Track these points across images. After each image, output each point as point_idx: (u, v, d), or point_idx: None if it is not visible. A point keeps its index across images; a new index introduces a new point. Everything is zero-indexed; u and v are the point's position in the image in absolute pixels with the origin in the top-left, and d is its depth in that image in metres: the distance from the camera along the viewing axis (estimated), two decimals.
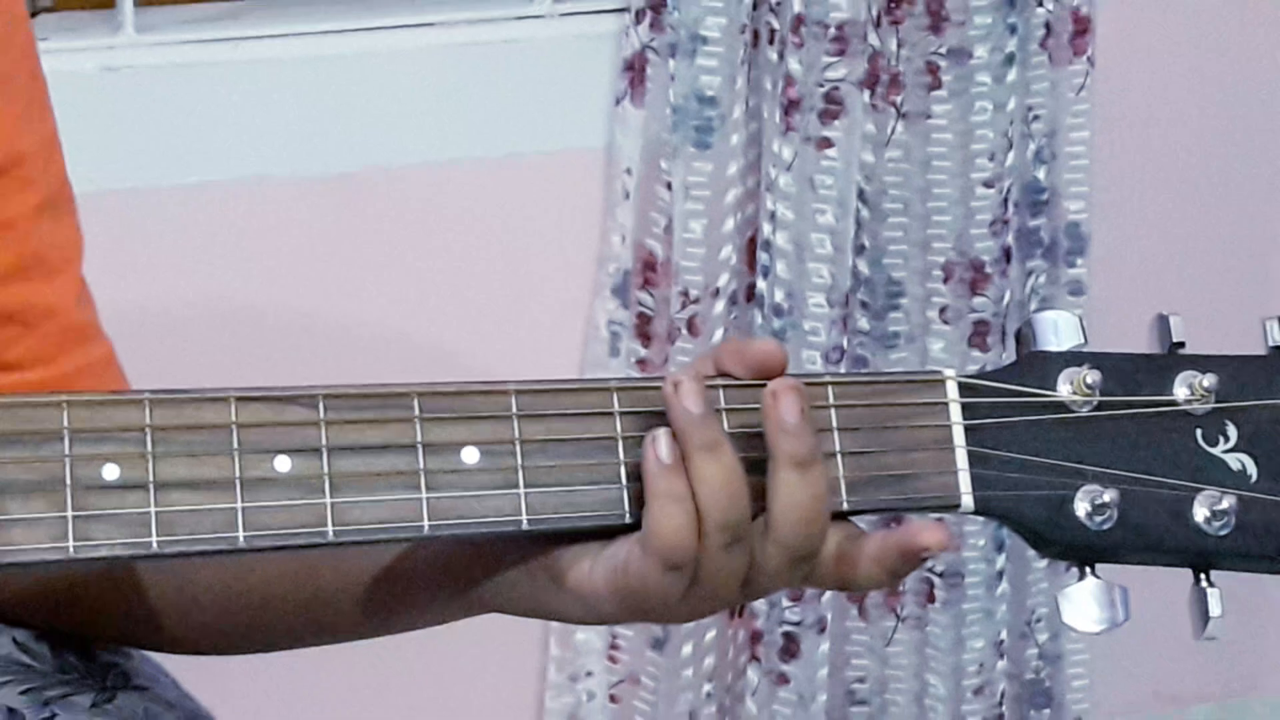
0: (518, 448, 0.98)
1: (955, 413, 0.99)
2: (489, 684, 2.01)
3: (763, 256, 1.90)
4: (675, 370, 1.83)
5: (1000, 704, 2.06)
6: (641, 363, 1.93)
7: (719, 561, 0.96)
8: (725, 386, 1.00)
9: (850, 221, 1.90)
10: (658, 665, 2.00)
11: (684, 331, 1.90)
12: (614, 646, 1.99)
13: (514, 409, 0.99)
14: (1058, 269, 1.97)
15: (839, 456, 0.99)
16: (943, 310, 1.95)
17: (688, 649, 1.98)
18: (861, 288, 1.93)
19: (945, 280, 1.94)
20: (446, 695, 1.96)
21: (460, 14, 1.92)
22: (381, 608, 1.09)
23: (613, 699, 1.99)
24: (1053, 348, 1.01)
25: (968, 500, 0.98)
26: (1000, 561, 2.03)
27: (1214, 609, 0.98)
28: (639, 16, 1.86)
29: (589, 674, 1.99)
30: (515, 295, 1.95)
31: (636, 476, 0.97)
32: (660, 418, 0.98)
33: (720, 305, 1.91)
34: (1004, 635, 2.05)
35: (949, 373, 1.00)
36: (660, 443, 0.96)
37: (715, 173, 1.87)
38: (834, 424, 0.99)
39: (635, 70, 1.88)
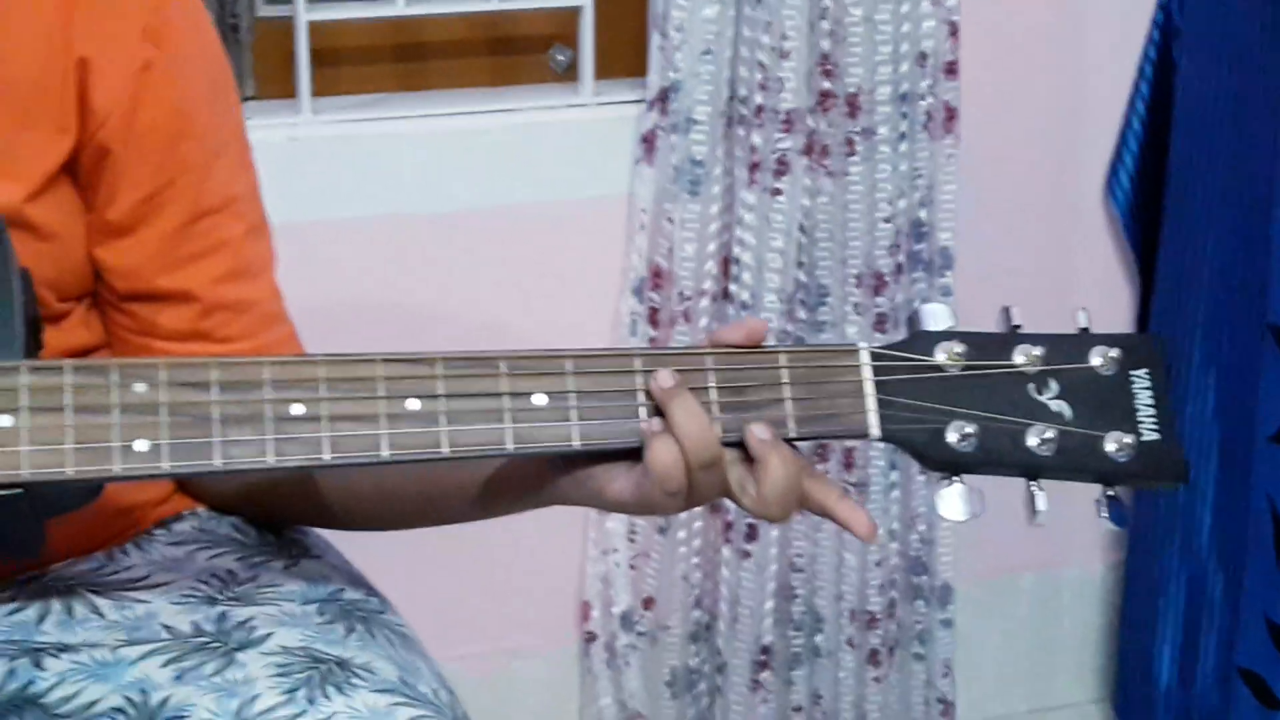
0: (571, 395, 0.98)
1: (867, 373, 1.00)
2: (542, 556, 1.99)
3: (734, 269, 1.89)
4: (678, 343, 1.84)
5: (893, 573, 2.05)
6: (652, 340, 1.91)
7: (700, 480, 0.97)
8: (715, 353, 1.00)
9: (794, 245, 1.88)
10: (661, 544, 1.98)
11: (681, 320, 1.89)
12: (632, 531, 1.98)
13: (569, 369, 0.99)
14: (934, 279, 1.95)
15: (789, 402, 0.99)
16: (856, 306, 1.93)
17: (682, 534, 1.97)
18: (800, 290, 1.91)
19: (858, 286, 1.92)
20: (511, 563, 1.95)
21: (531, 103, 1.91)
22: (481, 503, 1.09)
23: (632, 567, 1.98)
24: (932, 328, 1.02)
25: (875, 431, 0.99)
26: (893, 476, 2.01)
27: (1040, 505, 1.01)
28: (651, 105, 1.84)
29: (615, 550, 1.98)
30: (565, 294, 1.94)
31: (650, 414, 0.98)
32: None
33: (705, 302, 1.89)
34: (895, 526, 2.03)
35: (862, 345, 1.00)
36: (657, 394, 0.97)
37: (702, 212, 1.86)
38: (786, 380, 0.99)
39: (648, 141, 1.86)
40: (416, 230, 1.85)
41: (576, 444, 0.97)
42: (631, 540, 1.98)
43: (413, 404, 0.96)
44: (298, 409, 0.95)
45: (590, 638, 2.00)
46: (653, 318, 1.90)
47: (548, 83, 1.95)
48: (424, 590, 1.26)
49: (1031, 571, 2.23)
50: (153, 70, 1.07)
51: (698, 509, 1.04)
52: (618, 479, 0.99)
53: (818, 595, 2.02)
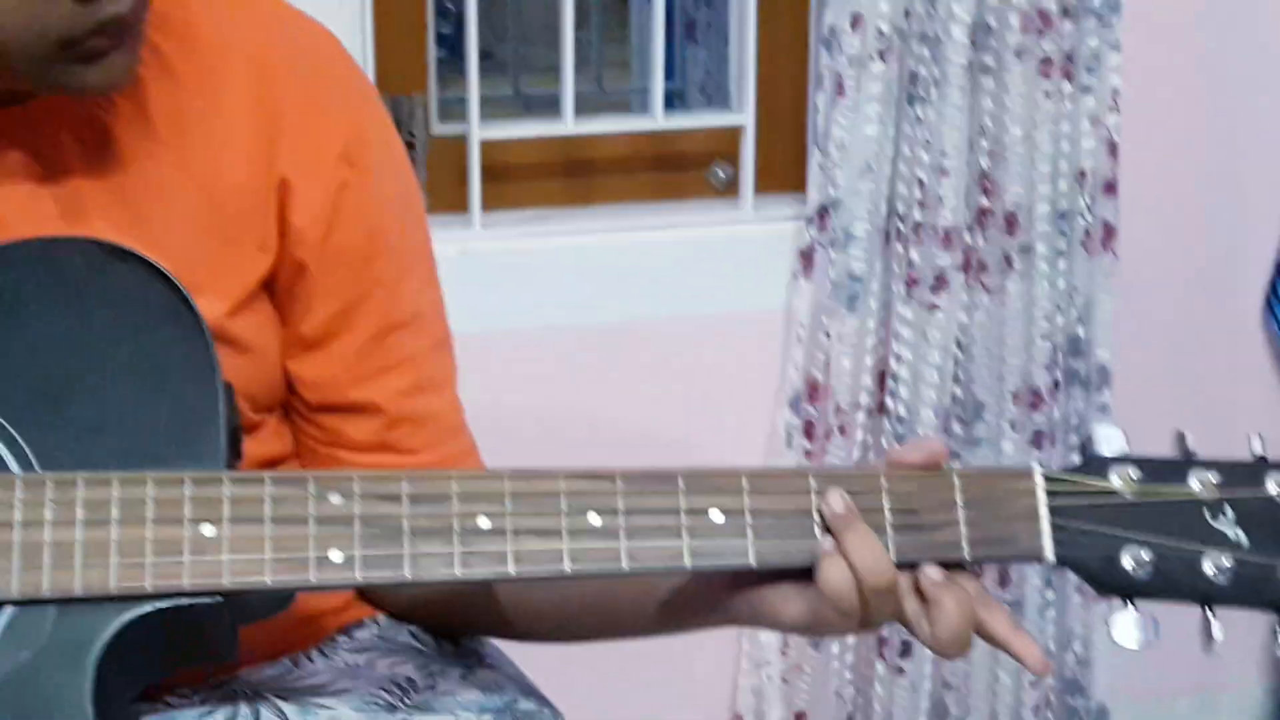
0: (747, 513, 0.98)
1: (1041, 496, 0.99)
2: (697, 667, 1.98)
3: (890, 383, 1.89)
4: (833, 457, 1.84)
5: (1048, 694, 2.03)
6: (808, 454, 1.91)
7: (874, 604, 0.96)
8: (890, 474, 0.99)
9: (950, 361, 1.89)
10: (815, 659, 1.98)
11: (837, 434, 1.90)
12: (785, 644, 1.97)
13: (745, 486, 0.98)
14: (1091, 396, 1.94)
15: (963, 525, 0.98)
16: (1012, 423, 1.92)
17: (836, 648, 1.96)
18: (957, 406, 1.91)
19: (1014, 402, 1.92)
20: (666, 674, 1.91)
21: (693, 218, 1.94)
22: (657, 619, 1.08)
23: (784, 680, 1.97)
24: (1106, 452, 1.00)
25: (1050, 556, 0.98)
26: (1049, 594, 2.00)
27: (1217, 634, 0.98)
28: (811, 221, 1.86)
29: (768, 663, 1.97)
30: (722, 405, 1.94)
31: (825, 534, 0.98)
32: None
33: (861, 416, 1.90)
34: (1051, 646, 2.01)
35: (1037, 468, 0.99)
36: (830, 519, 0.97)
37: (859, 327, 1.86)
38: (960, 502, 0.98)
39: (807, 256, 1.87)
40: (581, 341, 1.87)
41: (752, 561, 0.97)
42: (784, 654, 1.98)
43: (594, 519, 0.96)
44: (484, 522, 0.96)
45: None
46: (809, 431, 1.91)
47: (708, 198, 1.97)
48: (580, 700, 1.26)
49: (1188, 695, 2.19)
50: (348, 191, 1.10)
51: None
52: (793, 599, 0.99)
53: (971, 715, 2.01)
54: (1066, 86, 1.84)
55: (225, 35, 1.09)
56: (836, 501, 0.97)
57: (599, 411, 1.88)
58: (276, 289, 1.11)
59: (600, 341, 1.88)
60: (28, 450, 0.95)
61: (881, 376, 1.90)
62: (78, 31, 0.94)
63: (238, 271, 1.08)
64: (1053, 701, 2.03)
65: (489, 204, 1.86)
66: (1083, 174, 1.87)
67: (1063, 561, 0.97)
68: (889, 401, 1.90)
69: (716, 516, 0.97)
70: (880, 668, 1.96)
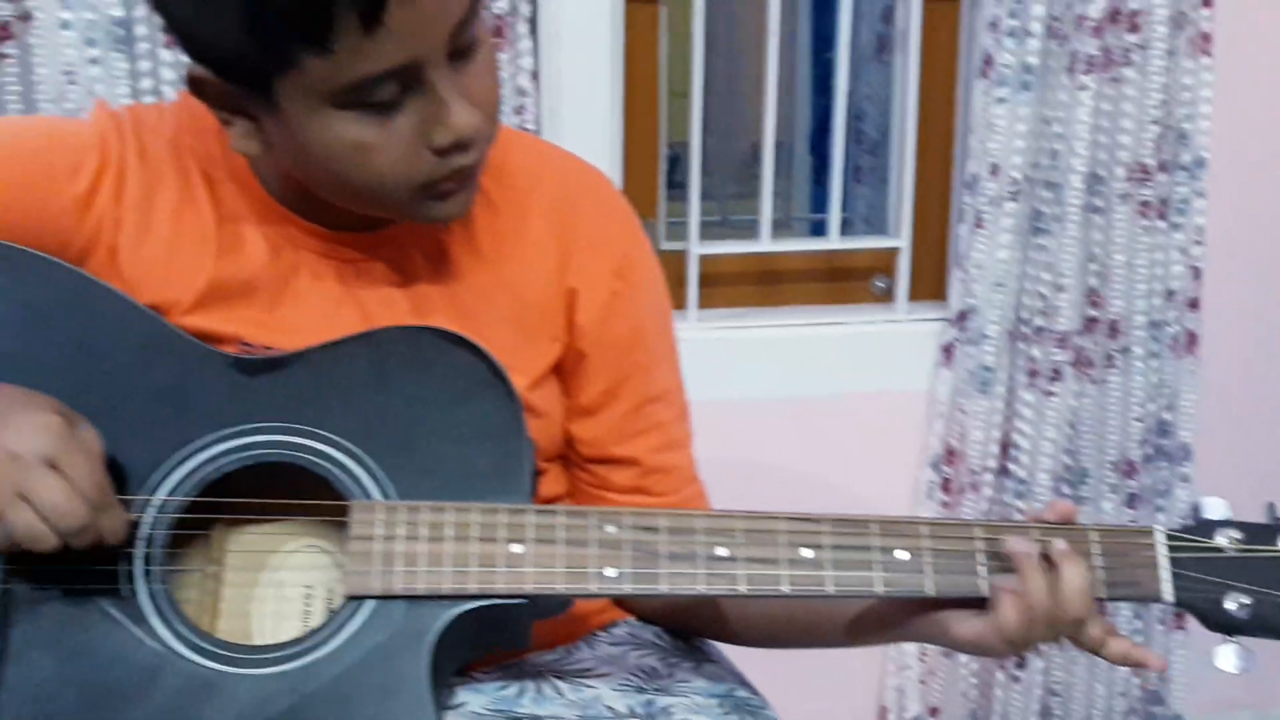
0: (926, 553, 0.99)
1: (1162, 550, 0.98)
2: (851, 668, 1.98)
3: (1013, 451, 1.87)
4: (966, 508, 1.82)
5: (1133, 703, 1.99)
6: (944, 505, 1.89)
7: (1036, 636, 0.96)
8: (1039, 526, 0.99)
9: (1063, 436, 1.87)
10: (946, 665, 1.96)
11: (969, 490, 1.88)
12: (923, 652, 1.95)
13: (924, 532, 0.99)
14: (1175, 467, 1.91)
15: (1100, 570, 0.98)
16: (1111, 486, 1.90)
17: (964, 659, 1.94)
18: (1066, 471, 1.89)
19: (1113, 470, 1.89)
20: (825, 671, 1.83)
21: (858, 318, 1.94)
22: (847, 633, 1.08)
23: (921, 681, 1.96)
24: (1212, 517, 1.00)
25: (1169, 597, 0.98)
26: (1137, 624, 1.96)
27: None
28: (951, 323, 1.86)
29: (909, 667, 1.95)
30: (878, 464, 1.93)
31: (988, 573, 0.98)
32: (988, 544, 0.99)
33: (988, 477, 1.88)
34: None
35: (1158, 529, 0.98)
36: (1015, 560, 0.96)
37: (988, 406, 1.85)
38: (1098, 552, 0.98)
39: (947, 351, 1.87)
40: (769, 411, 1.87)
41: (930, 592, 0.97)
42: (922, 660, 1.96)
43: (806, 552, 0.97)
44: (722, 551, 0.98)
45: None
46: (945, 487, 1.90)
47: (870, 303, 1.97)
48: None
49: (1249, 709, 2.13)
50: (618, 298, 1.11)
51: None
52: (964, 622, 0.98)
53: (1071, 716, 1.97)
54: (1161, 224, 1.82)
55: (531, 175, 1.12)
56: (1019, 544, 0.96)
57: (782, 465, 1.88)
58: (562, 370, 1.13)
59: (784, 411, 1.88)
60: (387, 482, 0.99)
61: (1005, 446, 1.89)
62: (435, 177, 0.97)
63: (536, 357, 1.10)
64: (1138, 709, 1.99)
65: (702, 304, 1.89)
66: (1171, 293, 1.85)
67: (1179, 603, 0.97)
68: (1011, 466, 1.88)
69: (902, 555, 0.98)
70: (1000, 675, 1.94)
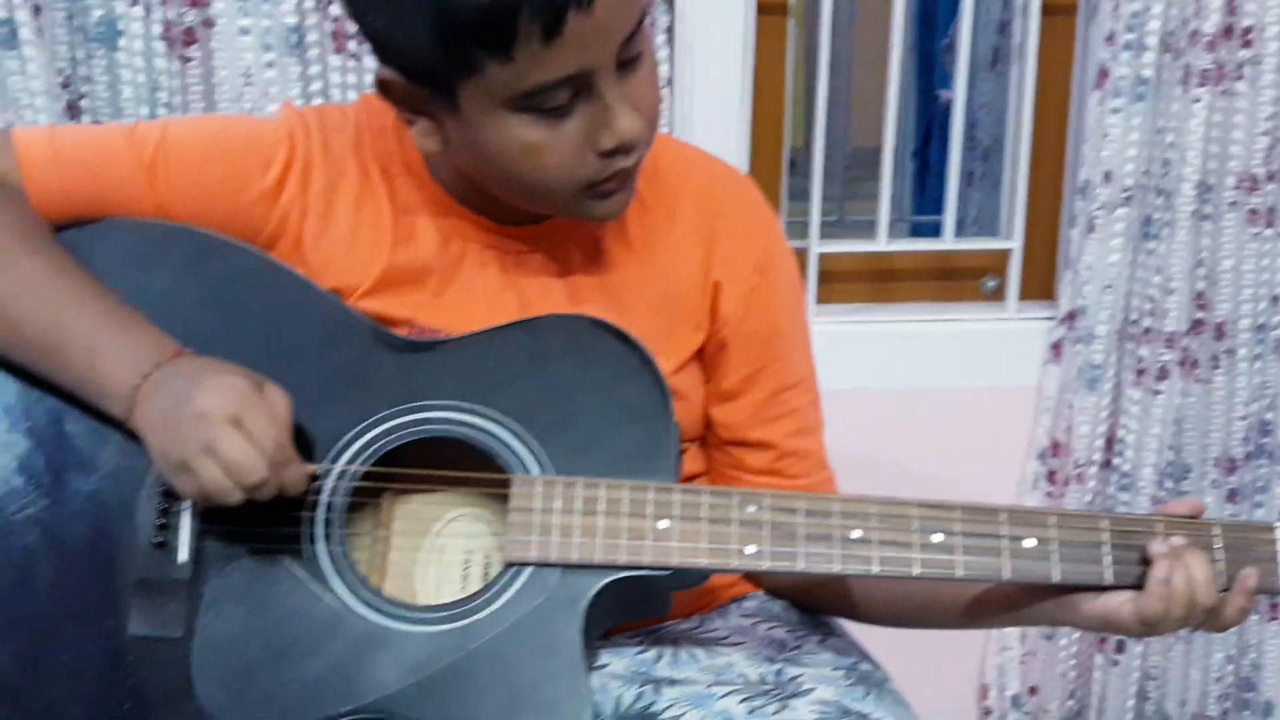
0: (1054, 541, 0.97)
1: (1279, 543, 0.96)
2: (955, 647, 1.95)
3: (1118, 446, 1.84)
4: (1071, 499, 1.79)
5: (1228, 689, 1.95)
6: (1049, 495, 1.86)
7: (1171, 625, 0.95)
8: (1164, 520, 0.98)
9: (1168, 433, 1.83)
10: (1046, 647, 1.93)
11: (1074, 481, 1.85)
12: (1024, 634, 1.93)
13: (1052, 522, 0.98)
14: (1275, 465, 1.87)
15: (1221, 561, 0.97)
16: (1212, 482, 1.86)
17: (1064, 641, 1.91)
18: (1169, 467, 1.85)
19: (1215, 467, 1.85)
20: (932, 650, 1.76)
21: (969, 315, 1.90)
22: (967, 614, 1.07)
23: (1022, 661, 1.93)
24: None
25: None
26: None
27: None
28: (1061, 322, 1.82)
29: (1010, 647, 1.93)
30: (986, 455, 1.90)
31: (1113, 563, 0.96)
32: (1116, 536, 0.97)
33: (1093, 470, 1.84)
34: (1233, 653, 1.94)
35: (1277, 524, 0.97)
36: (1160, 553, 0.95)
37: (1095, 403, 1.81)
38: (1219, 545, 0.97)
39: (1056, 348, 1.83)
40: (883, 403, 1.86)
41: (1056, 579, 0.97)
42: (1023, 641, 1.93)
43: (937, 537, 0.97)
44: (857, 533, 0.98)
45: (986, 712, 1.96)
46: (1050, 478, 1.87)
47: (980, 301, 1.94)
48: None
49: None
50: (758, 292, 1.12)
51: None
52: (1091, 601, 0.98)
53: (1167, 699, 1.93)
54: (1267, 231, 1.78)
55: (680, 175, 1.12)
56: (1175, 541, 0.96)
57: (892, 455, 1.87)
58: (704, 357, 1.13)
59: (899, 404, 1.87)
60: (545, 458, 1.00)
61: (1109, 441, 1.85)
62: (598, 178, 0.98)
63: (680, 344, 1.11)
64: (1231, 694, 1.95)
65: (820, 299, 1.88)
66: (1276, 298, 1.81)
67: None
68: (1115, 460, 1.85)
69: (1029, 542, 0.97)
70: (1099, 659, 1.91)
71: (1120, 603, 0.96)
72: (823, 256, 1.87)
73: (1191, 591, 0.94)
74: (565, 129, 0.95)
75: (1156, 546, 0.96)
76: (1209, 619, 0.96)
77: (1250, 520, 0.97)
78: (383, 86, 0.98)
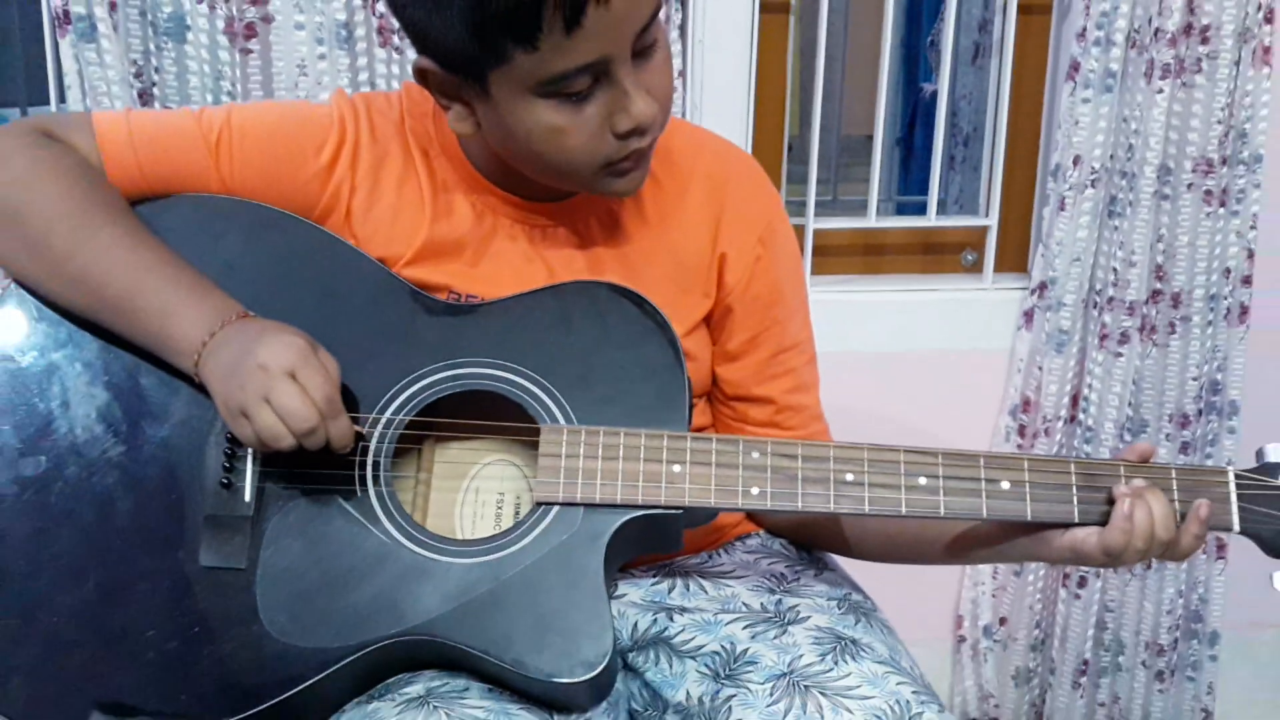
0: (1026, 484, 0.97)
1: (1232, 487, 0.96)
2: (934, 581, 1.94)
3: (1082, 403, 1.83)
4: (1039, 449, 1.77)
5: (1178, 620, 1.94)
6: (1019, 446, 1.85)
7: (1132, 556, 0.94)
8: (1127, 463, 0.97)
9: (1127, 391, 1.82)
10: (1015, 582, 1.92)
11: (1042, 435, 1.84)
12: (995, 571, 1.92)
13: (1026, 466, 0.97)
14: (1223, 421, 1.85)
15: (1176, 502, 0.96)
16: (1167, 435, 1.85)
17: (1031, 577, 1.91)
18: (1128, 422, 1.84)
19: (1169, 422, 1.84)
20: (915, 583, 1.78)
21: (949, 285, 1.89)
22: (950, 551, 1.06)
23: (993, 595, 1.93)
24: (1274, 460, 0.98)
25: (1236, 527, 0.96)
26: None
27: None
28: (1033, 292, 1.82)
29: (983, 582, 1.92)
30: (962, 410, 1.89)
31: (1079, 502, 0.96)
32: (1082, 479, 0.97)
33: (1060, 424, 1.83)
34: (1183, 588, 1.93)
35: (1229, 468, 0.96)
36: (1123, 492, 0.95)
37: (1063, 365, 1.80)
38: (1175, 487, 0.96)
39: (1028, 316, 1.82)
40: (873, 364, 1.85)
41: (1028, 517, 0.96)
42: (994, 577, 1.93)
43: (922, 479, 0.97)
44: (850, 476, 0.98)
45: (961, 639, 1.96)
46: (1021, 431, 1.86)
47: (960, 273, 1.93)
48: None
49: (1275, 628, 2.07)
50: (760, 262, 1.11)
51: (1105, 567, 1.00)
52: (1061, 536, 0.97)
53: (1123, 629, 1.93)
54: (1220, 211, 1.76)
55: (690, 156, 1.12)
56: (1138, 484, 0.95)
57: (880, 410, 1.86)
58: (711, 321, 1.13)
59: (886, 364, 1.86)
60: (570, 410, 1.00)
61: (1075, 398, 1.85)
62: (616, 157, 0.98)
63: (691, 309, 1.11)
64: (1181, 625, 1.95)
65: (815, 271, 1.87)
66: (1228, 271, 1.79)
67: (1244, 532, 0.95)
68: (1080, 415, 1.84)
69: (1005, 485, 0.97)
70: (1063, 593, 1.91)
71: (1086, 535, 0.96)
72: (818, 232, 1.86)
73: (1151, 525, 0.94)
74: (586, 112, 0.94)
75: (1120, 487, 0.95)
76: (1168, 550, 0.96)
77: (1205, 466, 0.96)
78: (421, 75, 0.98)
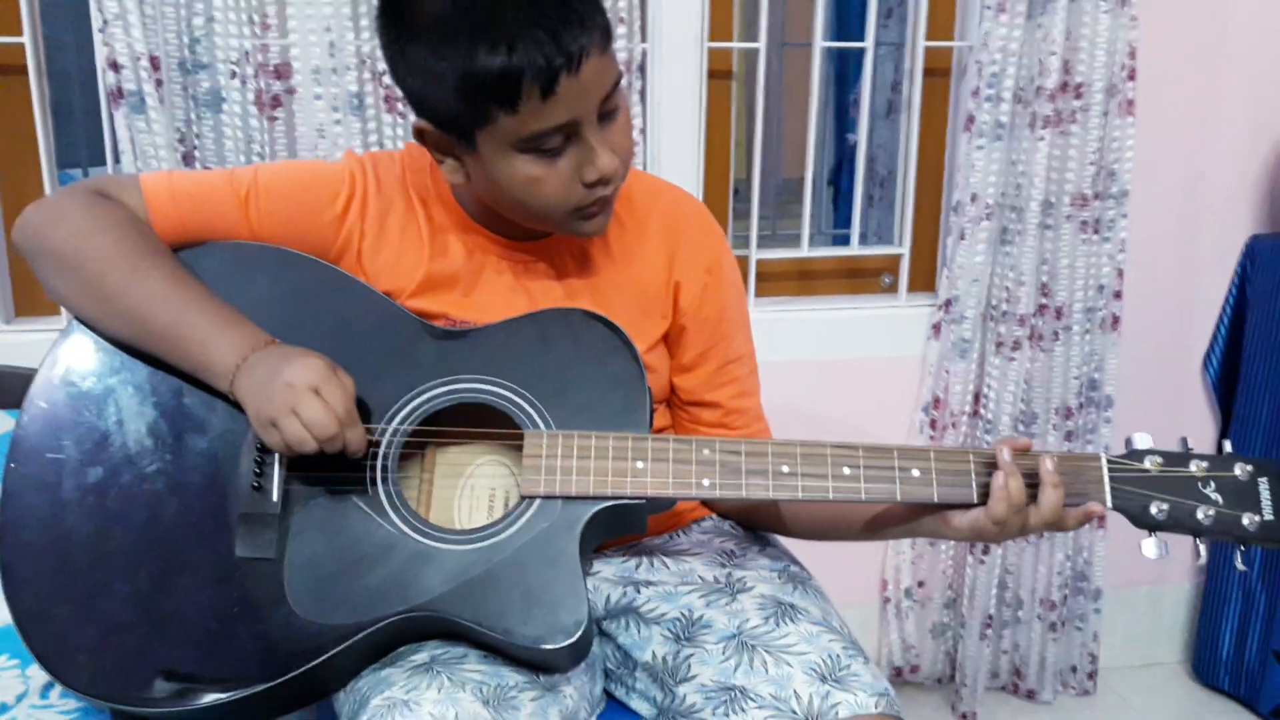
0: (933, 471, 0.95)
1: (1105, 470, 0.95)
2: (863, 553, 1.94)
3: (983, 400, 1.83)
4: (948, 441, 1.77)
5: (1067, 580, 1.95)
6: (931, 438, 1.85)
7: (1013, 525, 0.93)
8: (1015, 452, 0.95)
9: (1020, 389, 1.82)
10: (930, 552, 1.93)
11: (950, 428, 1.84)
12: (914, 543, 1.93)
13: (933, 457, 0.96)
14: (1100, 412, 1.86)
15: (1063, 484, 0.94)
16: (1054, 426, 1.85)
17: (944, 547, 1.92)
18: (1022, 415, 1.84)
19: (1056, 414, 1.84)
20: (843, 554, 1.81)
21: (870, 305, 1.89)
22: (869, 529, 1.05)
23: (913, 563, 1.93)
24: (1141, 447, 0.97)
25: (1109, 503, 0.94)
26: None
27: (1202, 553, 0.94)
28: (939, 308, 1.82)
29: (903, 552, 1.93)
30: (884, 408, 1.89)
31: (977, 486, 0.95)
32: (979, 466, 0.96)
33: (965, 419, 1.84)
34: (1070, 553, 1.94)
35: (1103, 454, 0.95)
36: (1002, 467, 0.93)
37: (965, 368, 1.81)
38: (1056, 470, 0.95)
39: (936, 328, 1.83)
40: (807, 370, 1.85)
41: (936, 499, 0.96)
42: (913, 547, 1.94)
43: (846, 469, 0.96)
44: (785, 468, 0.96)
45: (886, 600, 1.96)
46: (933, 425, 1.86)
47: (880, 294, 1.94)
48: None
49: (1149, 584, 2.09)
50: (708, 289, 1.10)
51: (988, 543, 0.99)
52: (960, 516, 0.97)
53: (1021, 588, 1.94)
54: (1095, 238, 1.78)
55: (648, 201, 1.11)
56: (1007, 454, 0.93)
57: (813, 409, 1.86)
58: (668, 339, 1.12)
59: (818, 371, 1.86)
60: (549, 417, 0.99)
61: (976, 396, 1.85)
62: (584, 203, 0.97)
63: (651, 330, 1.10)
64: (1069, 584, 1.95)
65: (758, 294, 1.87)
66: (1101, 287, 1.80)
67: (1116, 508, 0.94)
68: (981, 411, 1.85)
69: (915, 473, 0.96)
70: (970, 559, 1.91)
71: (979, 513, 0.95)
72: (760, 261, 1.86)
73: (1021, 494, 0.93)
74: (559, 165, 0.94)
75: (1003, 457, 0.94)
76: (1056, 525, 0.94)
77: (1081, 453, 0.96)
78: (419, 134, 0.97)
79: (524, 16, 0.86)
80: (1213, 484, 0.94)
